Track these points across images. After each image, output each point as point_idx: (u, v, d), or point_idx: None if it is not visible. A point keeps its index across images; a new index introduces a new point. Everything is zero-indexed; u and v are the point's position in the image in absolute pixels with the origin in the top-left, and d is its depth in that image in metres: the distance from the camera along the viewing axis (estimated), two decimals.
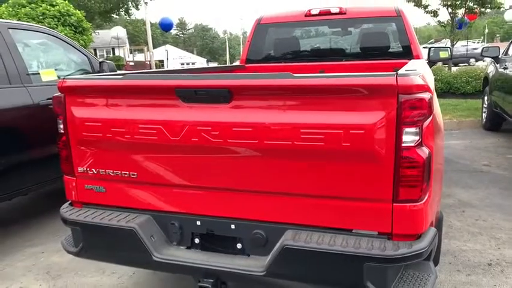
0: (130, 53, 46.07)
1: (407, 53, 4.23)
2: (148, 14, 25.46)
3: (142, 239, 2.19)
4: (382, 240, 1.89)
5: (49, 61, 4.66)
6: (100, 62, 4.66)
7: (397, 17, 4.31)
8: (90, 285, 3.13)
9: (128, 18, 45.76)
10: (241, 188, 2.08)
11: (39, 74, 4.13)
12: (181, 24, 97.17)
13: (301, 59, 4.74)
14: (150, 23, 27.64)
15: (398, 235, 1.88)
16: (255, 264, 2.08)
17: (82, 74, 4.48)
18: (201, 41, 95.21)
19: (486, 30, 49.87)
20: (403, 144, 1.79)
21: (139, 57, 42.35)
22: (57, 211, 2.47)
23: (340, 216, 1.96)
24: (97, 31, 29.64)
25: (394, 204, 1.85)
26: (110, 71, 4.46)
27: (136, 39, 66.70)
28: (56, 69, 4.37)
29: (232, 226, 2.16)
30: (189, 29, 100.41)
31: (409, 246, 1.83)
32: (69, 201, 2.52)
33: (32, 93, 3.86)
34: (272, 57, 4.76)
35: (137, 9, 37.66)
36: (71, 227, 2.40)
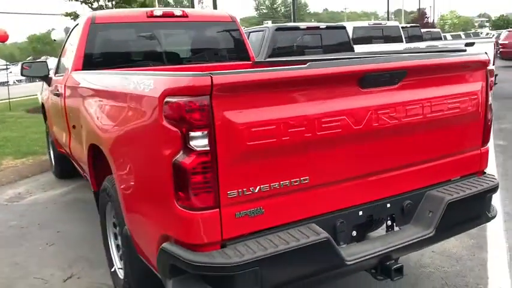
0: None
1: (245, 55, 4.71)
2: None
3: (334, 247, 1.94)
4: (490, 177, 2.53)
5: None
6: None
7: (232, 22, 4.68)
8: None
9: None
10: (404, 163, 2.22)
11: None
12: None
13: (139, 62, 4.30)
14: None
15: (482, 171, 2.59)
16: (419, 231, 2.24)
17: None
18: None
19: None
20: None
21: None
22: None
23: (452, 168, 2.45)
24: None
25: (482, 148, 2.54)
26: None
27: None
28: None
29: (388, 205, 2.24)
30: None
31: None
32: (184, 245, 1.79)
33: None
34: (112, 61, 4.04)
35: None
36: (240, 272, 1.74)
